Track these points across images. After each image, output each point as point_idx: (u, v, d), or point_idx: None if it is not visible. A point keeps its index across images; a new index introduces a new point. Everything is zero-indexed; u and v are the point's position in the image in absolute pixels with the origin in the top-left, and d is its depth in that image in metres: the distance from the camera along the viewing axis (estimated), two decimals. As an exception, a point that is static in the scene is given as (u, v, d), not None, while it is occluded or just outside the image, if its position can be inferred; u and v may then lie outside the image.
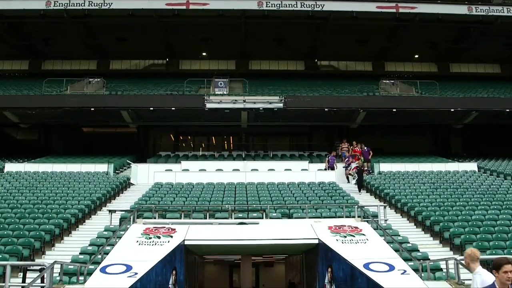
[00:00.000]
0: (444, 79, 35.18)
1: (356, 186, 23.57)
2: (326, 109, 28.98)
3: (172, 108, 28.60)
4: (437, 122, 32.56)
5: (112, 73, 36.12)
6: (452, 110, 29.34)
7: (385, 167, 26.21)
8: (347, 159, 26.21)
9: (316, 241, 12.64)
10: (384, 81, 34.46)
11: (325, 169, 25.90)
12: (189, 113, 29.70)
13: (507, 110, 29.33)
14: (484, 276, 6.08)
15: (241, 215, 17.01)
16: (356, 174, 24.01)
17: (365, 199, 21.60)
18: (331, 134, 34.31)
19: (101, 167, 25.65)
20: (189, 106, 28.93)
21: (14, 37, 33.96)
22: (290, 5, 31.45)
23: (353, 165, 24.93)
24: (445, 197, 19.97)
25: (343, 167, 25.71)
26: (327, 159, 26.62)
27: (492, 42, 34.64)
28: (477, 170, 26.40)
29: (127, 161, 28.82)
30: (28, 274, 11.08)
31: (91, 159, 28.79)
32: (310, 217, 16.16)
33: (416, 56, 38.06)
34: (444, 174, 25.04)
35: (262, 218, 16.58)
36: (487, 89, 34.47)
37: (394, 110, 28.98)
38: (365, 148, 26.52)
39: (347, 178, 25.25)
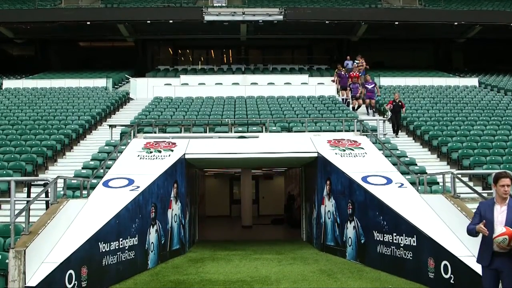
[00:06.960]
0: (449, -9, 34.17)
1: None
2: (326, 22, 28.36)
3: (170, 21, 27.99)
4: (440, 36, 31.91)
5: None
6: (456, 23, 28.75)
7: (386, 81, 26.02)
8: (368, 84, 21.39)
9: (315, 155, 12.79)
10: (387, -8, 33.57)
11: (355, 107, 21.40)
12: (187, 26, 29.08)
13: (512, 24, 28.70)
14: None
15: (241, 128, 17.09)
16: (390, 112, 18.45)
17: (365, 113, 21.59)
18: (331, 47, 33.83)
19: (100, 82, 25.47)
20: (187, 19, 28.34)
21: None
22: None
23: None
24: (445, 112, 20.02)
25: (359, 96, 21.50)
26: (348, 88, 22.22)
27: None
28: (477, 86, 26.23)
29: (126, 75, 28.55)
30: (33, 189, 11.28)
31: (90, 74, 28.55)
32: (309, 131, 16.24)
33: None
34: (444, 89, 24.92)
35: (262, 131, 16.66)
36: (493, 2, 33.56)
37: (396, 23, 28.49)
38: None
39: (367, 108, 21.19)
